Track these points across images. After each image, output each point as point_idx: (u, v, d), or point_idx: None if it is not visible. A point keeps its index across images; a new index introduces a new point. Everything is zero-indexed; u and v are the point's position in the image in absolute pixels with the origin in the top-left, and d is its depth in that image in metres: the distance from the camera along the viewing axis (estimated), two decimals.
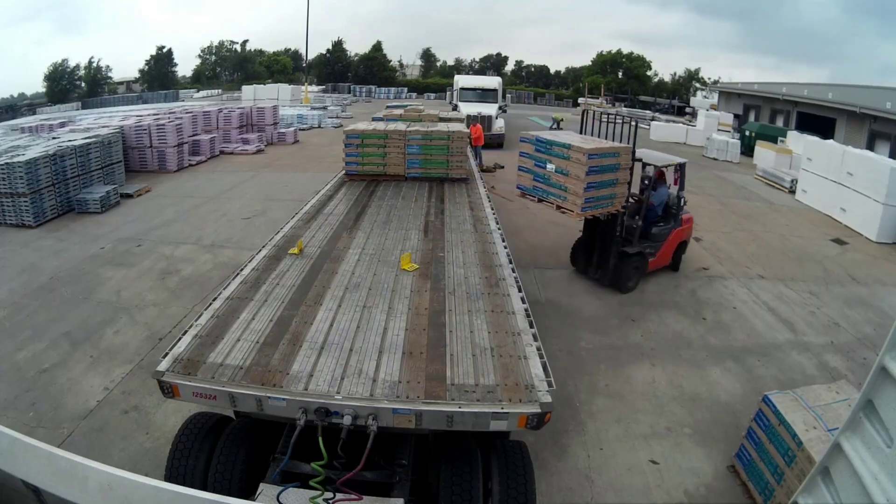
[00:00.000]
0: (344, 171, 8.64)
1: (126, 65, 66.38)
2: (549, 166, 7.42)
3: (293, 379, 3.19)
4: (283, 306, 4.07)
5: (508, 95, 32.32)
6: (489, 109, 21.09)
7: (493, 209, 7.00)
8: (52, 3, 60.77)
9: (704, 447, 5.02)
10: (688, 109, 45.91)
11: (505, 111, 23.81)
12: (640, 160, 8.02)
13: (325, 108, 32.17)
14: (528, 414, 2.97)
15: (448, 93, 31.57)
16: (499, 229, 6.11)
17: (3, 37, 56.13)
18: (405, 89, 58.21)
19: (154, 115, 18.78)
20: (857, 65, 62.26)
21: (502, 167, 16.83)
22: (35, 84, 49.18)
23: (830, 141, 16.05)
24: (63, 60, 50.00)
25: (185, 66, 60.95)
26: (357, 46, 67.08)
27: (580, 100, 50.43)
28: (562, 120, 31.20)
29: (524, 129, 10.61)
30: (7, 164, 10.51)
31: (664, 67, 57.76)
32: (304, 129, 24.72)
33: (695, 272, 9.24)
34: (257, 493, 3.00)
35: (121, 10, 71.27)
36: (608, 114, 8.53)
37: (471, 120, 16.49)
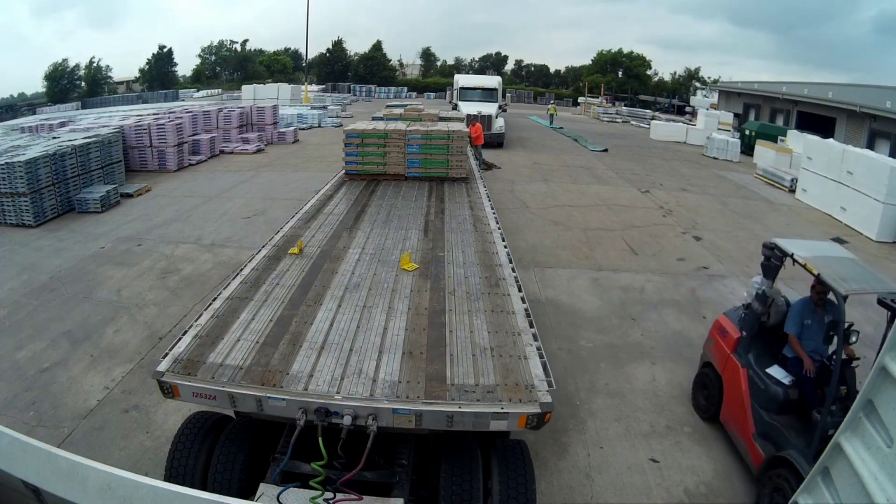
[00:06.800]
0: (344, 171, 8.64)
1: (126, 64, 66.62)
2: None
3: (293, 379, 3.18)
4: (282, 306, 4.07)
5: (508, 95, 32.59)
6: (489, 109, 21.08)
7: (493, 209, 7.00)
8: None
9: (704, 446, 5.02)
10: (688, 108, 45.93)
11: (505, 110, 23.81)
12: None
13: (324, 107, 32.16)
14: (528, 414, 2.97)
15: (448, 92, 31.63)
16: (499, 229, 6.10)
17: (29, 28, 56.41)
18: (405, 89, 58.23)
19: (154, 114, 18.78)
20: (879, 76, 63.65)
21: (499, 167, 16.87)
22: (35, 84, 49.34)
23: (830, 140, 16.03)
24: (63, 60, 50.12)
25: (185, 65, 61.14)
26: (357, 46, 67.39)
27: (580, 99, 50.49)
28: (555, 112, 31.97)
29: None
30: (7, 163, 10.50)
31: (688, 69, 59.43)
32: (303, 129, 24.72)
33: (694, 271, 9.24)
34: (257, 493, 3.00)
35: (157, 4, 71.93)
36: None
37: (471, 119, 16.51)
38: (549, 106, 35.13)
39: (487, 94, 22.60)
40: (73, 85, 51.02)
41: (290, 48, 63.78)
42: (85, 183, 12.14)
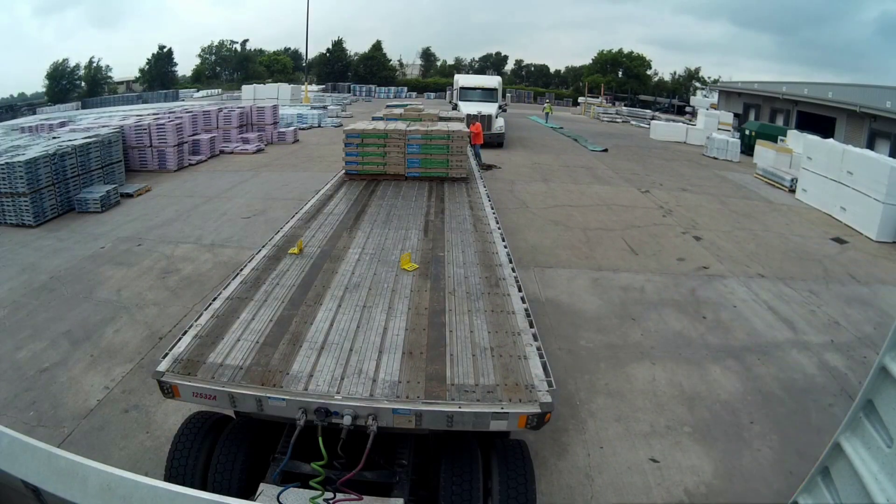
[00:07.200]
0: (344, 171, 8.64)
1: (126, 64, 66.71)
2: None
3: (293, 379, 3.19)
4: (282, 306, 4.07)
5: (508, 95, 32.99)
6: (489, 109, 21.09)
7: (493, 208, 7.00)
8: None
9: (704, 446, 5.02)
10: (688, 108, 45.94)
11: (505, 110, 23.80)
12: None
13: (324, 107, 32.16)
14: (528, 414, 2.97)
15: (448, 92, 31.69)
16: (499, 228, 6.11)
17: (30, 27, 56.58)
18: (405, 89, 58.27)
19: (154, 114, 18.78)
20: (881, 78, 64.28)
21: (499, 167, 16.87)
22: (35, 83, 49.41)
23: (830, 140, 16.03)
24: (64, 60, 50.18)
25: (185, 65, 61.21)
26: (357, 46, 67.54)
27: (580, 99, 50.49)
28: (550, 111, 32.51)
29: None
30: (7, 163, 10.50)
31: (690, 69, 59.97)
32: (303, 129, 24.72)
33: (694, 271, 9.24)
34: (257, 493, 3.00)
35: (158, 3, 72.14)
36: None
37: (471, 119, 16.52)
38: (545, 105, 35.78)
39: (487, 94, 22.60)
40: (73, 85, 51.07)
41: (290, 48, 63.90)
42: (85, 183, 12.14)
